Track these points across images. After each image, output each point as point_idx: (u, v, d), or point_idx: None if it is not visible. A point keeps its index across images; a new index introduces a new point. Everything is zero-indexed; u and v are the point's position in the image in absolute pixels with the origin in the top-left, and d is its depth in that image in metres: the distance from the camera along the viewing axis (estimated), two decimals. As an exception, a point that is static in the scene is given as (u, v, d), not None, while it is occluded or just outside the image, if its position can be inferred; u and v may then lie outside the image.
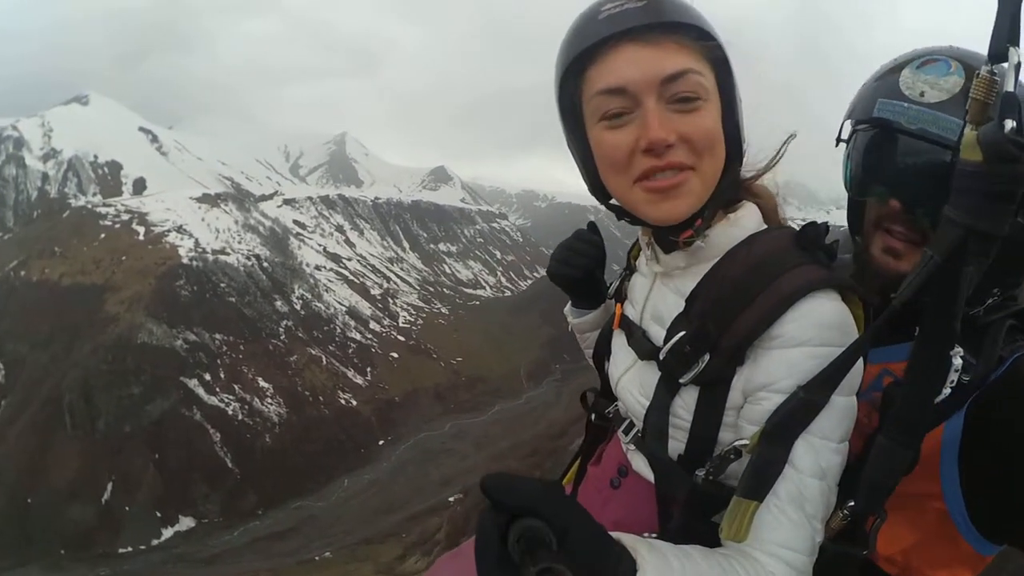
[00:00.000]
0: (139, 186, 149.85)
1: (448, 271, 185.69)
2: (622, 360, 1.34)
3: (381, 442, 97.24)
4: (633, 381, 1.28)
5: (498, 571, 0.82)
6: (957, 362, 0.95)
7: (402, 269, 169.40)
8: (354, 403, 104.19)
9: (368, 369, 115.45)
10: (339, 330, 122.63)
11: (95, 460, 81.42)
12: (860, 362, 1.05)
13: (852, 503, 1.03)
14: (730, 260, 1.14)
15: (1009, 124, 0.81)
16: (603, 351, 1.48)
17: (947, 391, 0.97)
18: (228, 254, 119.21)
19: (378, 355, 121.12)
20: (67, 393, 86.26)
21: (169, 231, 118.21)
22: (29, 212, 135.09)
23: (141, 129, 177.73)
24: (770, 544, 1.00)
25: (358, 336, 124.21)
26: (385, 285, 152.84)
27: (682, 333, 1.13)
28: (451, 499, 62.25)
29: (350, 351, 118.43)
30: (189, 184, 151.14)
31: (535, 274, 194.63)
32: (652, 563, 0.89)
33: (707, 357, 1.09)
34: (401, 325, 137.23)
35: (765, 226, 1.21)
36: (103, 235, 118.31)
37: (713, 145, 1.09)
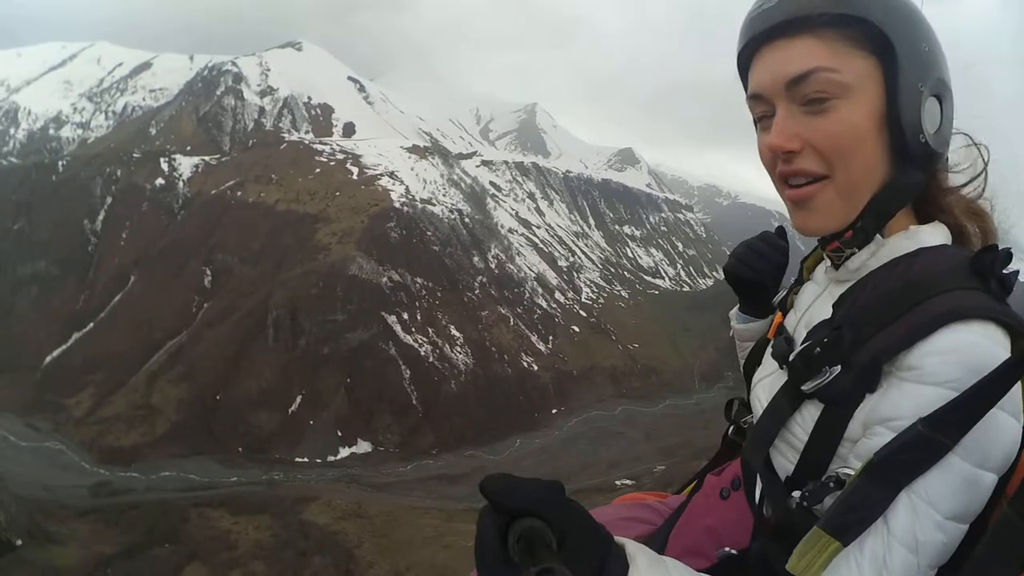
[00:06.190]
0: (348, 130, 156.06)
1: (630, 255, 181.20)
2: (766, 367, 1.26)
3: (554, 411, 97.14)
4: (765, 387, 1.21)
5: (498, 570, 0.80)
6: None
7: (586, 245, 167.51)
8: (535, 368, 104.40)
9: (550, 337, 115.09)
10: (527, 295, 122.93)
11: (289, 373, 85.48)
12: (1016, 433, 0.88)
13: None
14: (887, 270, 1.04)
15: None
16: (755, 360, 1.37)
17: None
18: (434, 204, 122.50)
19: (560, 325, 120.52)
20: (274, 308, 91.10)
21: (382, 175, 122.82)
22: (245, 140, 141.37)
23: (350, 78, 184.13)
24: None
25: (544, 303, 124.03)
26: (571, 258, 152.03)
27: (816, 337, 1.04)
28: (617, 483, 61.01)
29: (535, 317, 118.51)
30: (392, 134, 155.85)
31: (715, 273, 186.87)
32: (645, 569, 0.84)
33: (837, 369, 0.99)
34: (583, 300, 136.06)
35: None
36: (318, 170, 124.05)
37: (847, 151, 0.99)
